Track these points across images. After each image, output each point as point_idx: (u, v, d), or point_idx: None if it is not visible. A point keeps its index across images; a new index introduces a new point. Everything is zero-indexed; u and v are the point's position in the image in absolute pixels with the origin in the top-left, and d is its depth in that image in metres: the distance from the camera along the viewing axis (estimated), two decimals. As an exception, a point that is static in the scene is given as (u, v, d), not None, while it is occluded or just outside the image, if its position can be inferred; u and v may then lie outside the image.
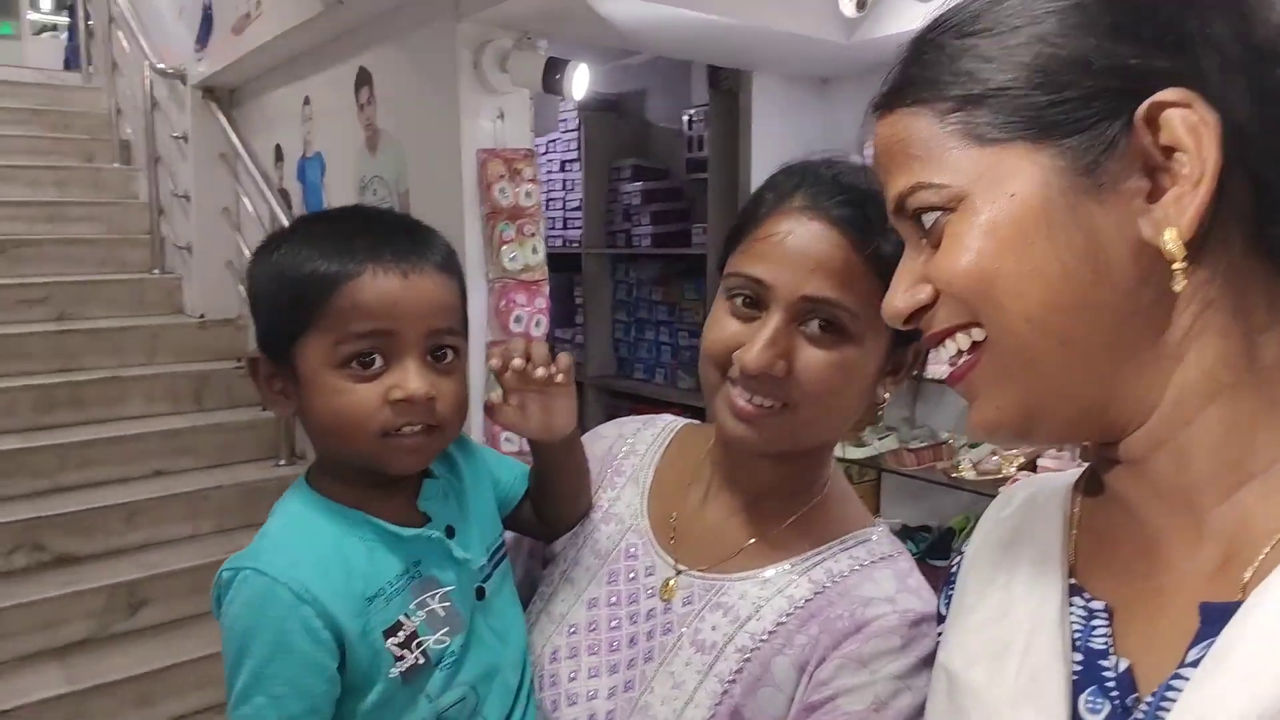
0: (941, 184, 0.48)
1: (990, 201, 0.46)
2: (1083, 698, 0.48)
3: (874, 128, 0.53)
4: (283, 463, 3.43)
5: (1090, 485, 0.56)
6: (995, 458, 2.74)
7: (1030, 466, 2.66)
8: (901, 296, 0.52)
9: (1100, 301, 0.45)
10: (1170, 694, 0.44)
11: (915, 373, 0.81)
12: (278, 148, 3.59)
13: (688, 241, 3.81)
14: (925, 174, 0.49)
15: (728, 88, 3.48)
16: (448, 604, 0.80)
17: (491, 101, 2.61)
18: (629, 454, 0.95)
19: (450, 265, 0.81)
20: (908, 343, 0.78)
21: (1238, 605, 0.42)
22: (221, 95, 3.79)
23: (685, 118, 3.83)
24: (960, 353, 0.50)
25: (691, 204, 3.96)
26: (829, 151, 0.80)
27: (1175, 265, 0.43)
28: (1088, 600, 0.51)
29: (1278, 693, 0.38)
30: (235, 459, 3.41)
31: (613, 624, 0.83)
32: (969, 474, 2.73)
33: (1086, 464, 0.57)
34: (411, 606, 0.77)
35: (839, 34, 2.72)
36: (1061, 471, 0.61)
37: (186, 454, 3.32)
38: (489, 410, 0.84)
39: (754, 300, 0.75)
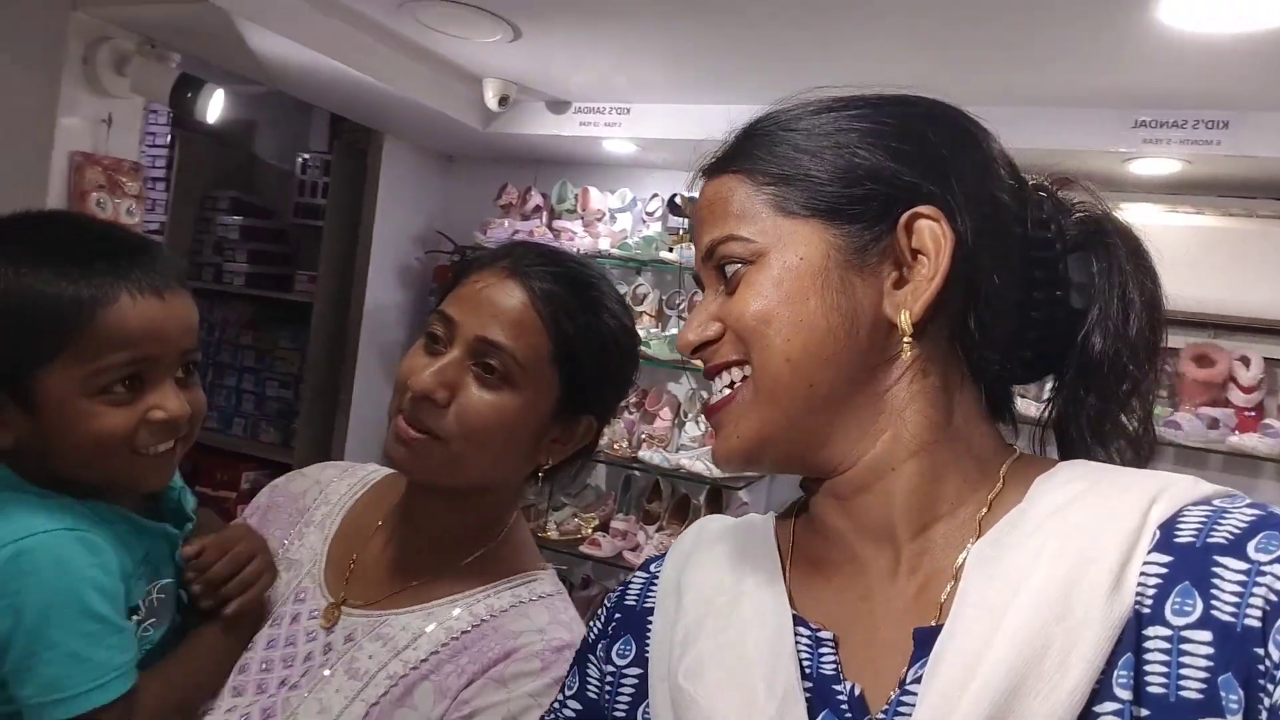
0: (748, 239, 0.57)
1: (782, 260, 0.56)
2: None
3: (701, 187, 0.62)
4: None
5: (801, 519, 0.62)
6: (576, 520, 3.08)
7: (604, 528, 3.04)
8: (694, 330, 0.59)
9: (845, 357, 0.55)
10: (901, 710, 0.49)
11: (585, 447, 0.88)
12: None
13: (289, 287, 3.66)
14: (738, 229, 0.58)
15: (351, 142, 3.49)
16: (164, 596, 0.81)
17: (99, 104, 2.33)
18: (321, 503, 0.97)
19: (185, 279, 0.81)
20: (578, 415, 0.85)
21: (939, 629, 0.49)
22: None
23: (300, 160, 3.73)
24: (732, 383, 0.58)
25: (297, 249, 3.82)
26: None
27: (905, 339, 0.55)
28: (815, 630, 0.55)
29: (990, 698, 0.45)
30: None
31: (264, 665, 0.84)
32: (554, 534, 3.02)
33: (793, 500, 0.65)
34: (147, 589, 0.79)
35: (477, 121, 2.96)
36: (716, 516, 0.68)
37: None
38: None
39: (442, 339, 0.82)
